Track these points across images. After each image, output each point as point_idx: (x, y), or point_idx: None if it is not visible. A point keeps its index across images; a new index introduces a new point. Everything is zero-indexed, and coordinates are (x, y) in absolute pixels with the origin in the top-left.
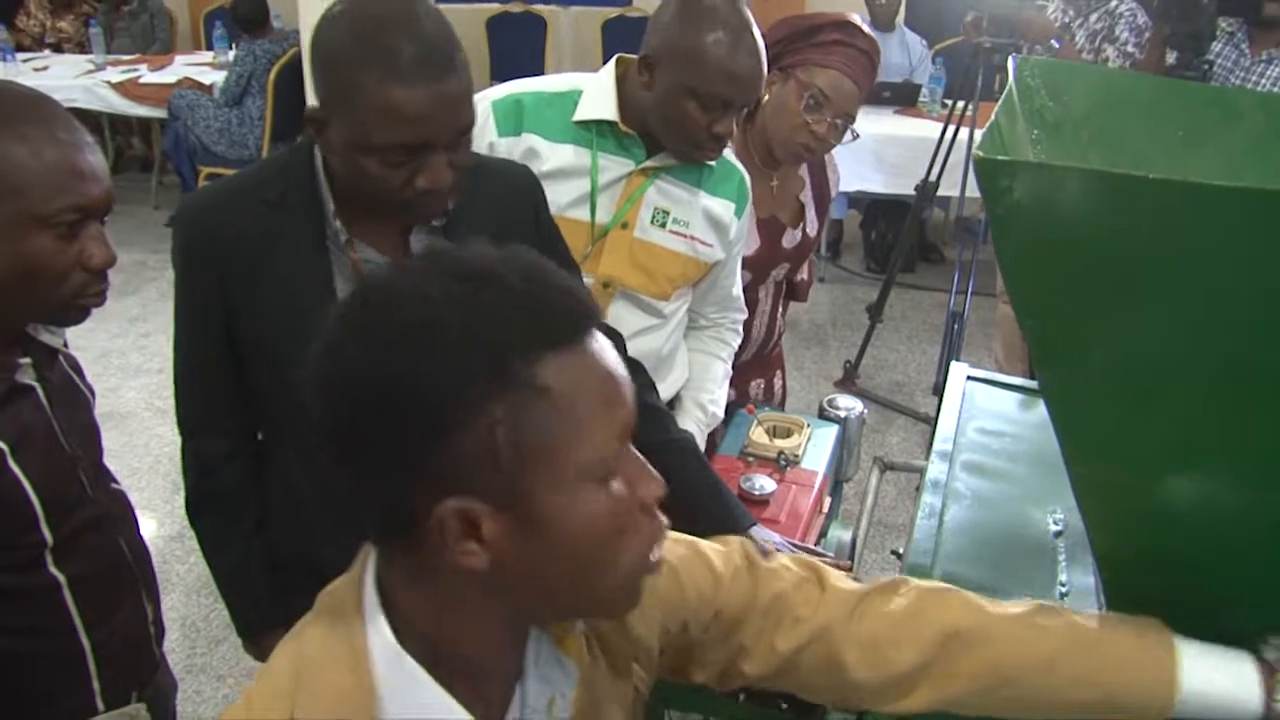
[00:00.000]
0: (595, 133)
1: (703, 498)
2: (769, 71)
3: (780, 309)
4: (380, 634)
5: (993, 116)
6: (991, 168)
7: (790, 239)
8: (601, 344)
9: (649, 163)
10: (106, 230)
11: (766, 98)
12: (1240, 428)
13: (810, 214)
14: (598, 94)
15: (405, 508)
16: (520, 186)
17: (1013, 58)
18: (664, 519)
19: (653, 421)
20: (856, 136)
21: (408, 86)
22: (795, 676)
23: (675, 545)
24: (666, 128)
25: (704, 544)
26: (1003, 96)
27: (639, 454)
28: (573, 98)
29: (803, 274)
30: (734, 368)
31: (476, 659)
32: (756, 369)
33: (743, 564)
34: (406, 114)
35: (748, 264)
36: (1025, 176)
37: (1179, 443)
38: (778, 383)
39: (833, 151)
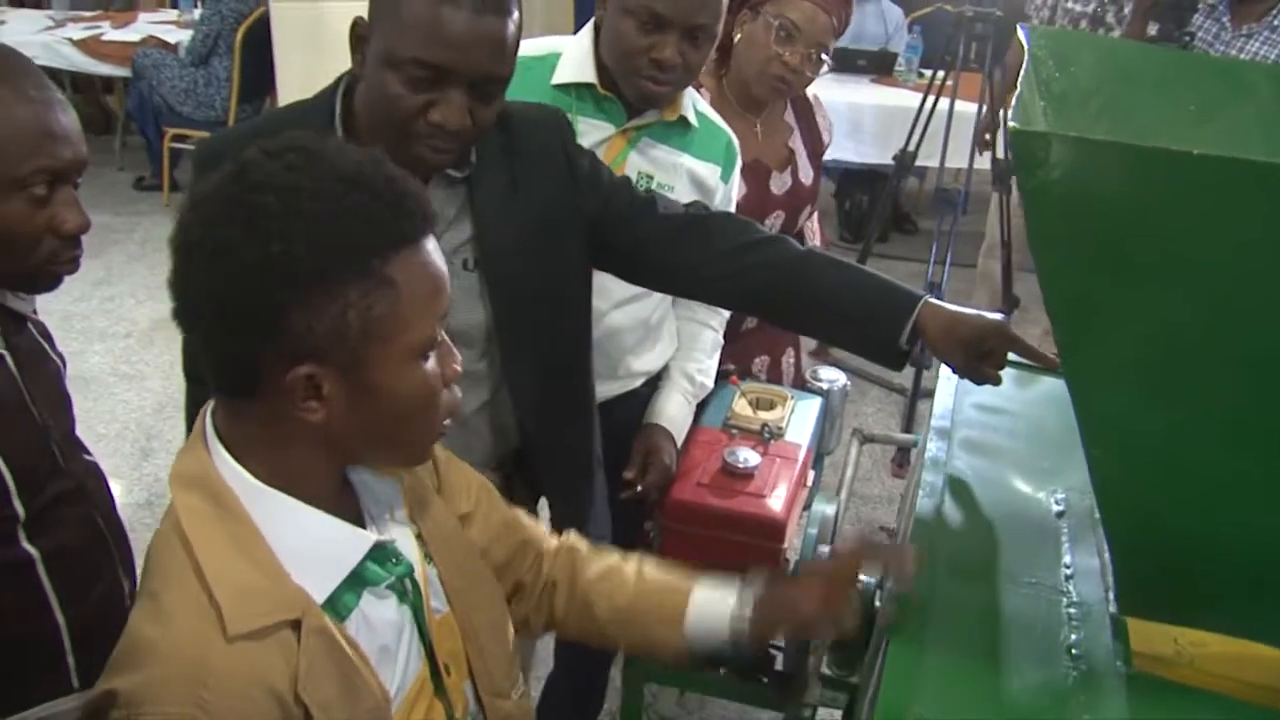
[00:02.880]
0: (574, 96)
1: (860, 293)
2: (740, 11)
3: None
4: (241, 480)
5: (1018, 87)
6: (1027, 140)
7: (779, 184)
8: (432, 243)
9: (629, 124)
10: None
11: (738, 36)
12: (1266, 412)
13: (803, 162)
14: (576, 56)
15: (258, 370)
16: (548, 129)
17: (1023, 27)
18: (457, 393)
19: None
20: (831, 68)
21: (455, 6)
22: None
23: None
24: (612, 60)
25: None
26: (1023, 67)
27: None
28: (550, 61)
29: (814, 238)
30: (736, 338)
31: (315, 496)
32: (763, 343)
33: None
34: (442, 32)
35: (736, 213)
36: (1061, 149)
37: (1202, 426)
38: (788, 360)
39: (821, 101)
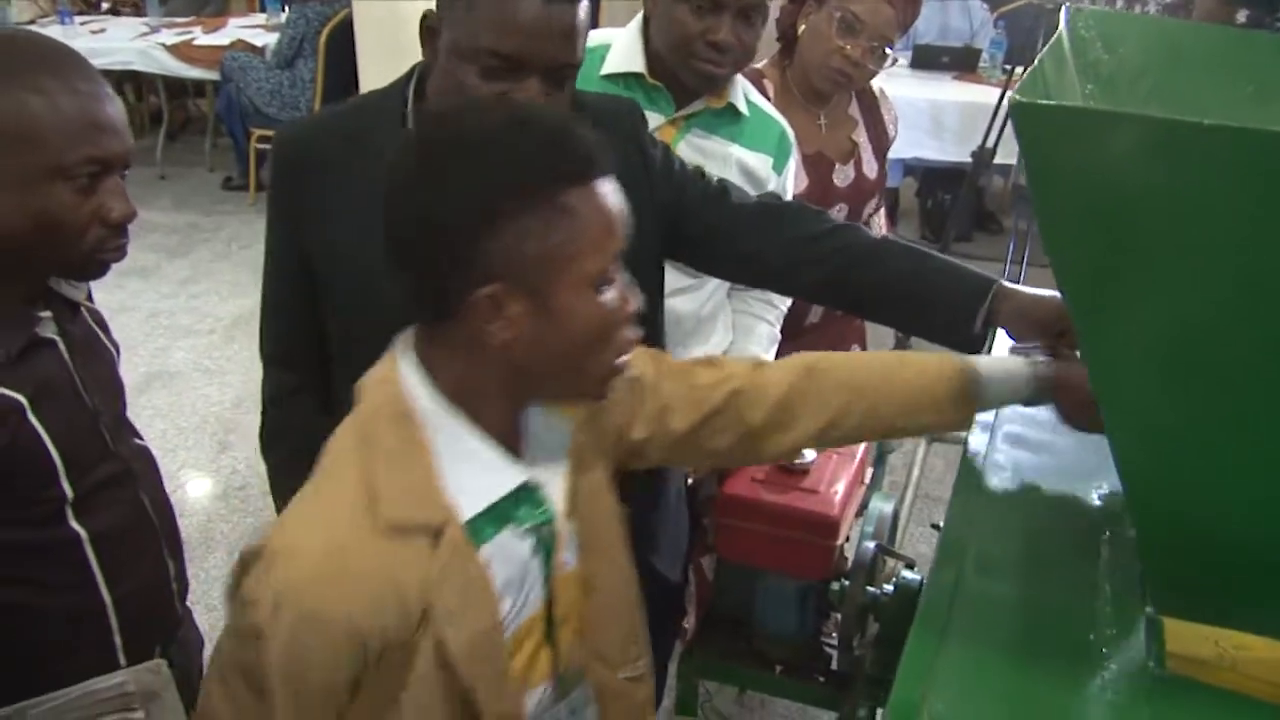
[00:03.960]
0: (623, 87)
1: (933, 279)
2: (805, 3)
3: None
4: (421, 394)
5: (1036, 62)
6: (1030, 113)
7: (842, 177)
8: (609, 188)
9: (678, 114)
10: (162, 192)
11: (803, 27)
12: None
13: (867, 155)
14: (625, 47)
15: (450, 293)
16: (623, 120)
17: (1065, 7)
18: (638, 333)
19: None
20: (895, 61)
21: None
22: (708, 424)
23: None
24: (667, 47)
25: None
26: (1050, 43)
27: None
28: (600, 53)
29: (880, 230)
30: (798, 333)
31: (488, 424)
32: (827, 339)
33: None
34: (515, 22)
35: None
36: (1067, 122)
37: (1223, 411)
38: None
39: (889, 96)
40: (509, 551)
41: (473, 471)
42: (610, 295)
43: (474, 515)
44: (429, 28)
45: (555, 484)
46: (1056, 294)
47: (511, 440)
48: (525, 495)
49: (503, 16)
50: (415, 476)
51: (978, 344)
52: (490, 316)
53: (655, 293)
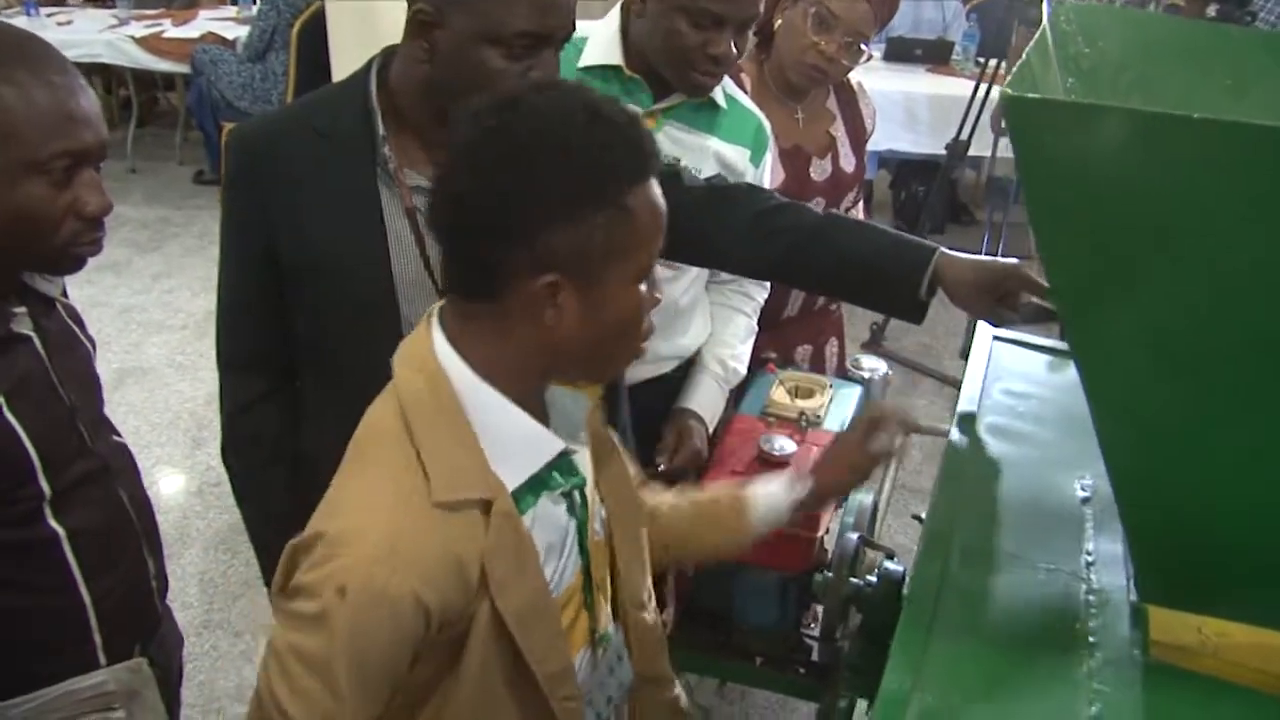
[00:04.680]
0: (600, 79)
1: (877, 250)
2: None
3: None
4: (459, 370)
5: (1024, 55)
6: (1022, 106)
7: (819, 170)
8: (656, 181)
9: (656, 106)
10: (133, 187)
11: (779, 23)
12: (1277, 392)
13: (844, 149)
14: (602, 39)
15: (506, 276)
16: None
17: (1047, 1)
18: (652, 320)
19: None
20: (870, 57)
21: None
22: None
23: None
24: (662, 55)
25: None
26: (1035, 36)
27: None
28: (578, 44)
29: None
30: (777, 325)
31: (518, 398)
32: (806, 330)
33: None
34: (546, 1)
35: None
36: (1058, 116)
37: (1212, 406)
38: (830, 350)
39: (866, 89)
40: (549, 517)
41: (514, 443)
42: (646, 285)
43: (518, 485)
44: (424, 22)
45: (583, 455)
46: (998, 260)
47: (538, 414)
48: (560, 463)
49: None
50: (462, 453)
51: (922, 311)
52: (544, 303)
53: None
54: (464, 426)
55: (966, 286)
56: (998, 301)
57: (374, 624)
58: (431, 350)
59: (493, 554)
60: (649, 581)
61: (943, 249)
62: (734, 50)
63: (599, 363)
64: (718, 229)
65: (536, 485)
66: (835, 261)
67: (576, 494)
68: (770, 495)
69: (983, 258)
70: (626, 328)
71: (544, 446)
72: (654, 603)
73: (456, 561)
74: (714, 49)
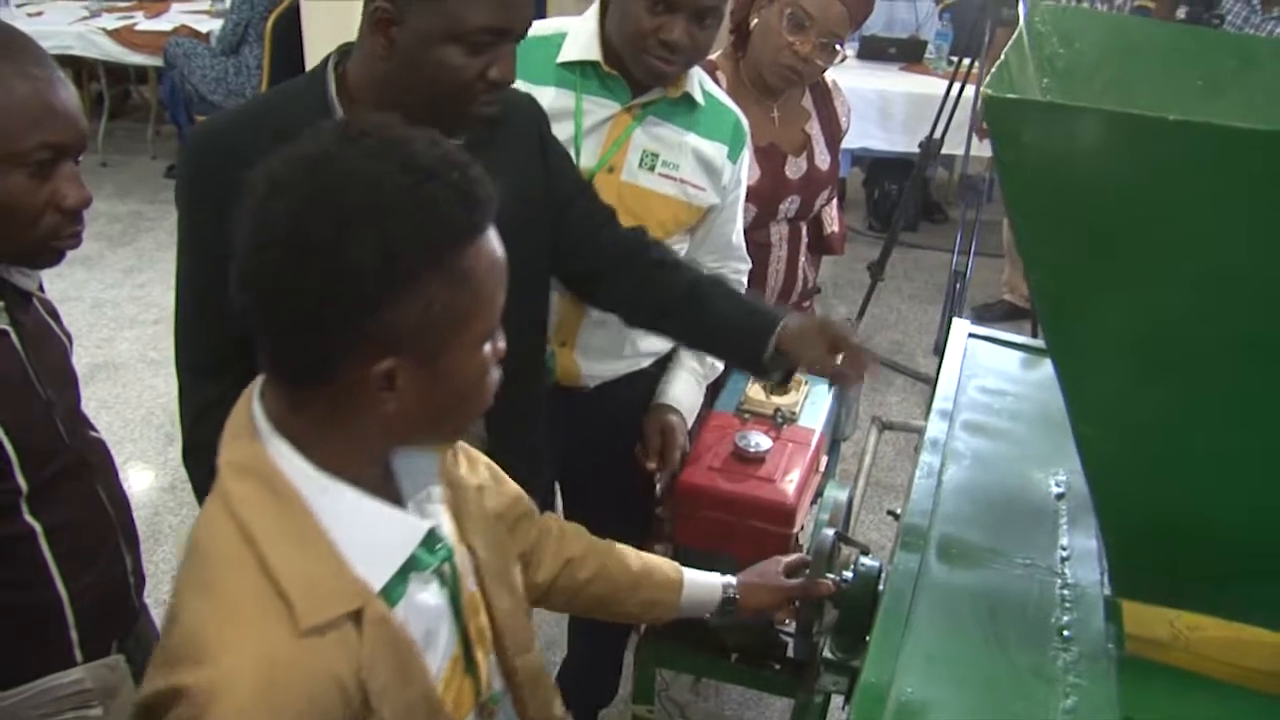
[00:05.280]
0: (579, 74)
1: (729, 320)
2: None
3: (806, 259)
4: (300, 470)
5: (1002, 56)
6: (1002, 107)
7: (795, 168)
8: (493, 229)
9: (634, 101)
10: (104, 180)
11: (755, 23)
12: (1252, 391)
13: (819, 147)
14: (581, 35)
15: (335, 362)
16: (525, 114)
17: (1023, 1)
18: (498, 372)
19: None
20: (845, 58)
21: None
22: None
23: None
24: (622, 41)
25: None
26: (1013, 37)
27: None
28: (556, 40)
29: (833, 225)
30: None
31: (365, 480)
32: None
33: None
34: None
35: (750, 196)
36: (1038, 117)
37: (1188, 405)
38: None
39: (841, 87)
40: (422, 603)
41: (375, 540)
42: (489, 343)
43: (386, 582)
44: (383, 19)
45: (437, 511)
46: (832, 319)
47: (390, 490)
48: (424, 539)
49: None
50: (319, 566)
51: (771, 369)
52: (382, 388)
53: (545, 285)
54: (315, 532)
55: (801, 346)
56: (830, 357)
57: None
58: (262, 450)
59: (371, 666)
60: (529, 619)
61: (790, 316)
62: (690, 39)
63: (445, 429)
64: (615, 282)
65: (404, 569)
66: (700, 325)
67: (446, 566)
68: (704, 586)
69: (821, 319)
70: (472, 390)
71: (407, 535)
72: (536, 642)
73: (336, 684)
74: (666, 34)
